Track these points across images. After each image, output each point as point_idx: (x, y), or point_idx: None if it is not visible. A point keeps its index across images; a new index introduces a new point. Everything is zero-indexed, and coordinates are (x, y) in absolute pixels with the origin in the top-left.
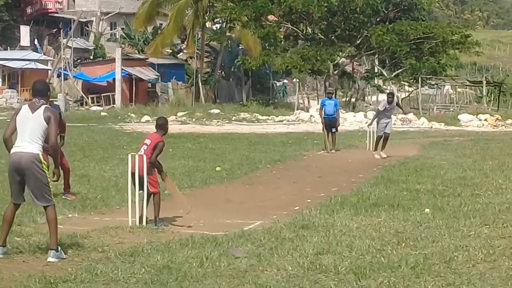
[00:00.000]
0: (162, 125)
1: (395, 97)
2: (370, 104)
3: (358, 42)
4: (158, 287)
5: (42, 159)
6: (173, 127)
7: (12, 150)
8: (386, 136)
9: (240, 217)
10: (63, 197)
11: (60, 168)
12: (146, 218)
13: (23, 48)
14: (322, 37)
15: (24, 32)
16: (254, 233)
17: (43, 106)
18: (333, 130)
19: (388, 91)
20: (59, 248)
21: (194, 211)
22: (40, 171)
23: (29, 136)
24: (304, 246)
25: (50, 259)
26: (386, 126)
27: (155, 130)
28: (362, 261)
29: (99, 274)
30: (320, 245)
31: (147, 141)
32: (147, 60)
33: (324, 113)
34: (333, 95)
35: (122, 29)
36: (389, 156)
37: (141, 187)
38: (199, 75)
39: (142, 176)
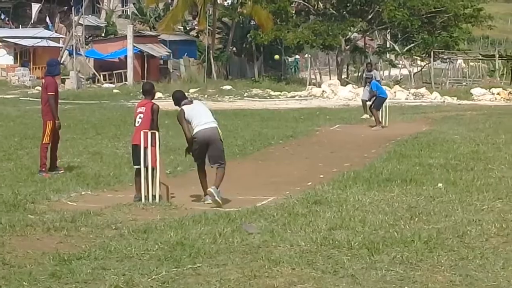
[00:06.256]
0: (148, 91)
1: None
2: (382, 79)
3: (370, 17)
4: (171, 264)
5: (220, 132)
6: None
7: (202, 127)
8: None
9: (253, 193)
10: (38, 174)
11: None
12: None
13: (34, 26)
14: (334, 12)
15: (36, 9)
16: (267, 209)
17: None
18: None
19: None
20: (219, 190)
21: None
22: (221, 140)
23: (209, 117)
24: (317, 221)
25: (210, 189)
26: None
27: (144, 97)
28: (375, 236)
29: (112, 251)
30: (333, 221)
31: (141, 109)
32: (158, 37)
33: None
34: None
35: (134, 5)
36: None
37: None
38: (211, 51)
39: (146, 148)
